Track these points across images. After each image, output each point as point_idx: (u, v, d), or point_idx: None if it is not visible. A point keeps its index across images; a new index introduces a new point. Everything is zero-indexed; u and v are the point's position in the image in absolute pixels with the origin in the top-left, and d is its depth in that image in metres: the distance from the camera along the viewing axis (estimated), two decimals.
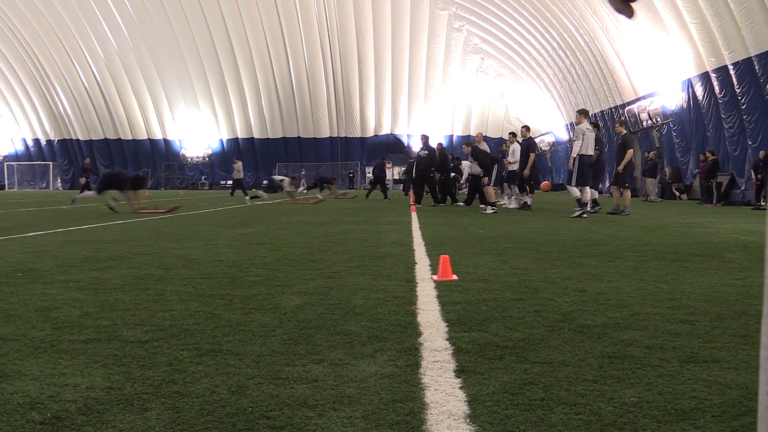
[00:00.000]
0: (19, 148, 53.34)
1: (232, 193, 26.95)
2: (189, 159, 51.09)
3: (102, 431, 1.61)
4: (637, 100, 25.81)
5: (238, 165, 26.38)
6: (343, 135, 48.66)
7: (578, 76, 31.22)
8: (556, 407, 1.77)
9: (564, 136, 36.71)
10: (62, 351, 2.38)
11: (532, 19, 31.78)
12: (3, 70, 48.23)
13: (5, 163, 52.81)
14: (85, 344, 2.47)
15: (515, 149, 14.65)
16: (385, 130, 48.52)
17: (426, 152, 17.00)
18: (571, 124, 30.99)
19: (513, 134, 15.26)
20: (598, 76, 28.90)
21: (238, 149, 48.93)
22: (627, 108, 26.64)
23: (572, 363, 2.20)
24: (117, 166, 50.59)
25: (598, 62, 28.11)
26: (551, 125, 39.86)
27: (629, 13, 0.66)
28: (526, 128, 14.86)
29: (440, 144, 18.99)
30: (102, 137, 50.99)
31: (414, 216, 11.26)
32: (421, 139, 17.95)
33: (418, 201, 16.70)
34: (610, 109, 28.70)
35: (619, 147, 12.86)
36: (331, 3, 41.96)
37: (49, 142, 52.56)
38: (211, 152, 50.50)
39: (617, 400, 1.83)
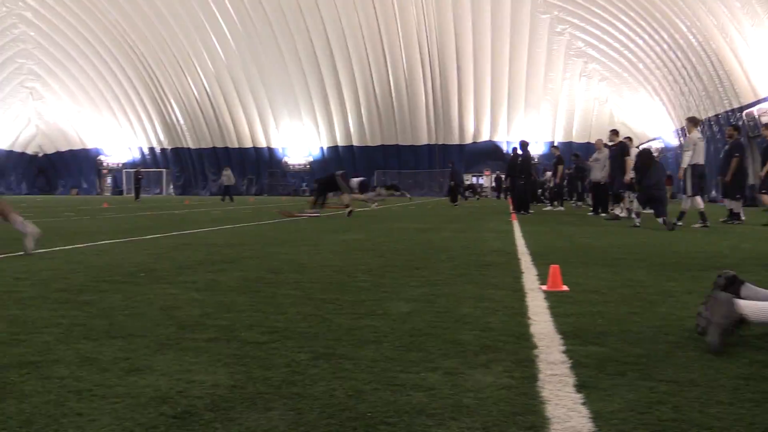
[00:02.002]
0: (136, 155, 56.95)
1: (223, 199, 27.93)
2: (291, 166, 52.75)
3: (229, 428, 1.67)
4: (758, 102, 24.15)
5: (228, 172, 27.54)
6: (441, 142, 48.61)
7: (690, 77, 29.64)
8: (690, 429, 1.66)
9: (673, 141, 34.92)
10: (187, 348, 2.49)
11: (639, 19, 30.52)
12: (123, 83, 51.75)
13: (124, 170, 56.52)
14: (207, 343, 2.58)
15: (601, 156, 13.90)
16: (484, 137, 48.07)
17: (521, 158, 16.63)
18: (682, 128, 29.41)
19: (603, 140, 14.46)
20: (712, 78, 27.29)
21: (338, 157, 50.01)
22: (745, 111, 24.98)
23: (702, 383, 2.06)
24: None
25: (713, 63, 26.57)
26: (659, 130, 38.04)
27: None
28: (615, 132, 14.04)
29: (522, 144, 17.54)
30: (211, 146, 53.57)
31: (515, 224, 11.05)
32: (520, 145, 17.56)
33: (517, 208, 16.39)
34: (726, 112, 27.01)
35: (725, 153, 12.00)
36: (430, 9, 42.14)
37: (163, 150, 55.82)
38: (311, 159, 51.90)
39: (759, 425, 1.69)
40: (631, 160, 12.38)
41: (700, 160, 10.71)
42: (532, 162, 18.01)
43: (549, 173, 19.38)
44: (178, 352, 2.44)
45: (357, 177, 16.81)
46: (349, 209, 13.93)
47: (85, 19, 46.65)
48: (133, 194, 29.50)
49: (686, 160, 10.69)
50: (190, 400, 1.89)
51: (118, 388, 2.00)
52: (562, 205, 17.67)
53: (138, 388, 1.99)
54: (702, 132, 12.00)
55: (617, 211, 12.74)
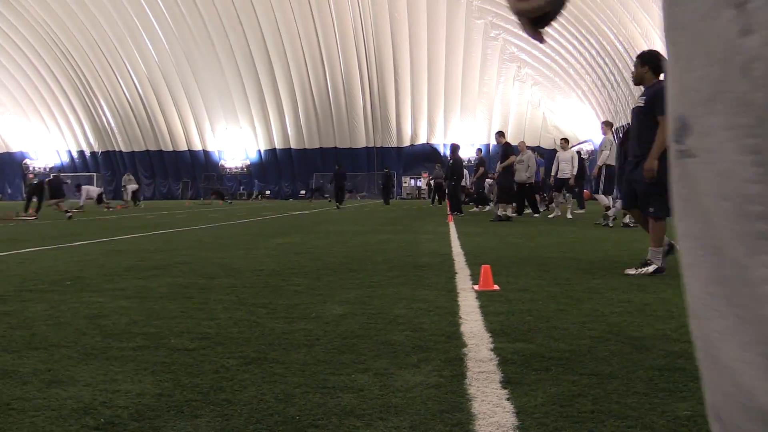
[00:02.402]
0: (65, 159, 54.83)
1: (135, 204, 28.13)
2: (228, 170, 51.88)
3: None
4: None
5: (130, 176, 28.02)
6: (379, 145, 48.83)
7: (617, 83, 30.79)
8: (607, 420, 1.74)
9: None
10: (112, 358, 2.43)
11: (569, 26, 31.50)
12: (49, 84, 49.76)
13: (52, 175, 54.32)
14: (134, 351, 2.52)
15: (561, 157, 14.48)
16: (422, 140, 48.54)
17: (451, 161, 17.05)
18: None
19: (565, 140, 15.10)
20: None
21: (276, 159, 49.55)
22: None
23: (621, 375, 2.15)
24: (158, 177, 51.75)
25: None
26: (590, 133, 39.36)
27: (540, 38, 0.64)
28: (565, 140, 14.79)
29: (453, 147, 18.09)
30: (144, 149, 52.13)
31: (451, 226, 11.22)
32: (451, 148, 17.99)
33: (451, 210, 16.74)
34: None
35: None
36: (366, 13, 42.28)
37: (93, 154, 53.92)
38: (249, 163, 51.21)
39: (670, 414, 1.78)
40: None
41: (612, 161, 11.25)
42: (464, 164, 18.42)
43: (467, 174, 19.94)
44: (103, 361, 2.38)
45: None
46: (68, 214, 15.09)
47: (8, 17, 44.65)
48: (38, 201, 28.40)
49: (603, 158, 11.28)
50: (114, 410, 1.85)
51: (38, 401, 1.93)
52: (486, 206, 18.23)
53: (59, 400, 1.93)
54: (615, 136, 12.75)
55: (509, 211, 13.37)
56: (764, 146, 0.47)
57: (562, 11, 0.59)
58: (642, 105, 5.04)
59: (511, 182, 13.51)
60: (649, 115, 4.93)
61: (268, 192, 48.72)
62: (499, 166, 13.51)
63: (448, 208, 17.62)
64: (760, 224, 0.48)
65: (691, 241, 0.55)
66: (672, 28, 0.54)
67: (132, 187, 28.21)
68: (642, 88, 5.19)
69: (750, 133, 0.48)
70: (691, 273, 0.56)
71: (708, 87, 0.50)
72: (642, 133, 4.97)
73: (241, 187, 51.15)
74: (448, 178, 17.06)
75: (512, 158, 13.50)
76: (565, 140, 14.99)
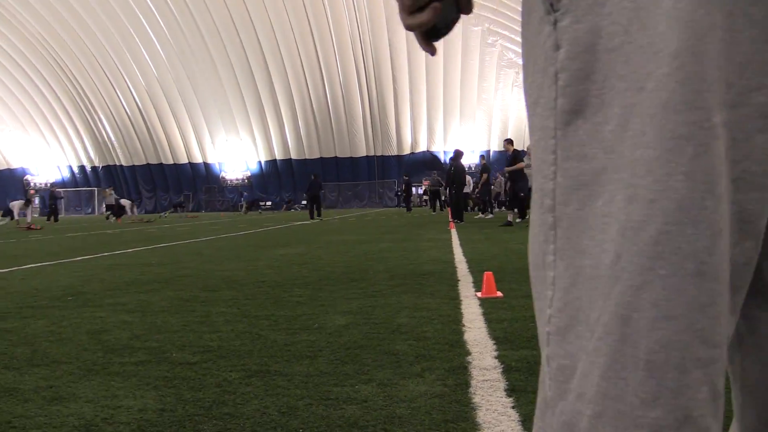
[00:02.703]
0: (66, 175, 54.95)
1: (108, 218, 28.15)
2: (229, 181, 51.93)
3: None
4: None
5: (110, 190, 28.33)
6: (379, 153, 48.89)
7: None
8: None
9: None
10: (114, 373, 2.41)
11: None
12: (49, 100, 49.94)
13: (53, 190, 54.40)
14: (135, 366, 2.51)
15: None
16: (422, 148, 48.60)
17: (452, 168, 16.93)
18: None
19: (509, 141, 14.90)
20: None
21: (276, 170, 49.61)
22: None
23: None
24: (159, 190, 51.79)
25: None
26: None
27: (432, 51, 0.69)
28: (509, 141, 14.59)
29: (456, 154, 18.10)
30: (144, 162, 52.22)
31: (453, 233, 11.20)
32: (453, 154, 17.79)
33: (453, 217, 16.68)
34: None
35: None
36: (364, 23, 42.44)
37: (94, 168, 54.04)
38: (249, 174, 51.27)
39: None
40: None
41: None
42: (466, 172, 18.37)
43: (471, 181, 19.92)
44: (105, 377, 2.36)
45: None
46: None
47: (6, 33, 44.87)
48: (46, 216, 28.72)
49: None
50: (115, 426, 1.83)
51: (39, 418, 1.92)
52: (492, 213, 18.28)
53: (61, 418, 1.92)
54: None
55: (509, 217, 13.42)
56: (558, 148, 0.53)
57: (453, 27, 0.65)
58: None
59: (527, 188, 13.43)
60: None
61: (268, 203, 48.28)
62: (506, 170, 13.60)
63: (450, 215, 17.61)
64: (548, 216, 0.54)
65: None
66: (522, 39, 0.60)
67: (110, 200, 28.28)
68: None
69: (551, 135, 0.53)
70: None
71: (534, 91, 0.56)
72: None
73: (242, 199, 51.14)
74: (449, 185, 17.01)
75: (521, 164, 13.49)
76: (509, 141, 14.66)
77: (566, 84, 0.52)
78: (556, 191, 0.53)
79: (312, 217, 21.87)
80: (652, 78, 0.49)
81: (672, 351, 0.48)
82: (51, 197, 30.36)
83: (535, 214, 0.57)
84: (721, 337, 0.50)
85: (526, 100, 0.58)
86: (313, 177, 23.19)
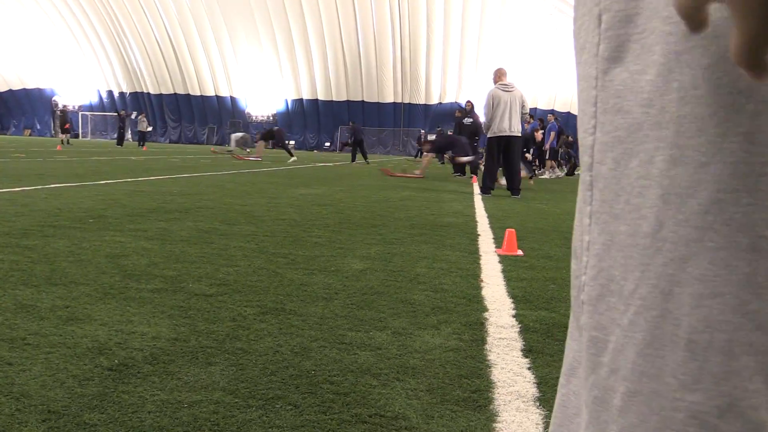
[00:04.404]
0: (94, 99, 55.14)
1: (140, 144, 28.21)
2: (254, 117, 51.80)
3: (167, 382, 1.61)
4: None
5: (143, 116, 28.26)
6: (407, 101, 48.29)
7: None
8: None
9: None
10: (130, 299, 2.41)
11: None
12: (82, 23, 49.70)
13: (80, 113, 54.72)
14: (152, 293, 2.50)
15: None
16: (450, 99, 47.90)
17: (471, 121, 16.56)
18: None
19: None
20: None
21: (302, 110, 49.33)
22: None
23: None
24: (185, 121, 51.89)
25: None
26: None
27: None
28: None
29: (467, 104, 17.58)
30: (172, 92, 52.15)
31: (475, 186, 11.09)
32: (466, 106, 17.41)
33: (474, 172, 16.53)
34: None
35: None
36: None
37: (122, 94, 54.11)
38: (275, 112, 51.05)
39: None
40: None
41: None
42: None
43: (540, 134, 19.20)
44: (121, 302, 2.36)
45: None
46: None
47: None
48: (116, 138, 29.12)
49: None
50: (128, 351, 1.83)
51: (53, 337, 1.92)
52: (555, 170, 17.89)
53: (75, 338, 1.92)
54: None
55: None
56: (598, 100, 0.49)
57: None
58: None
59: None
60: None
61: (291, 142, 48.16)
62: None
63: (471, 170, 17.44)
64: (586, 175, 0.50)
65: None
66: None
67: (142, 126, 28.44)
68: None
69: (593, 84, 0.49)
70: None
71: (581, 36, 0.52)
72: None
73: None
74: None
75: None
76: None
77: (608, 26, 0.47)
78: (595, 147, 0.49)
79: (354, 160, 22.17)
80: None
81: (717, 332, 0.43)
82: (120, 119, 31.04)
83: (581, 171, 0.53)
84: None
85: (575, 47, 0.53)
86: (351, 124, 23.81)
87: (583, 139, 0.51)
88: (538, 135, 16.78)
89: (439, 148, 14.84)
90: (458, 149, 13.78)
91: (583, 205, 0.51)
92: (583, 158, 0.51)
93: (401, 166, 18.65)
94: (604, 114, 0.48)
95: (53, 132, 55.48)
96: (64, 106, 35.52)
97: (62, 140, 27.19)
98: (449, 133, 19.68)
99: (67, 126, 29.74)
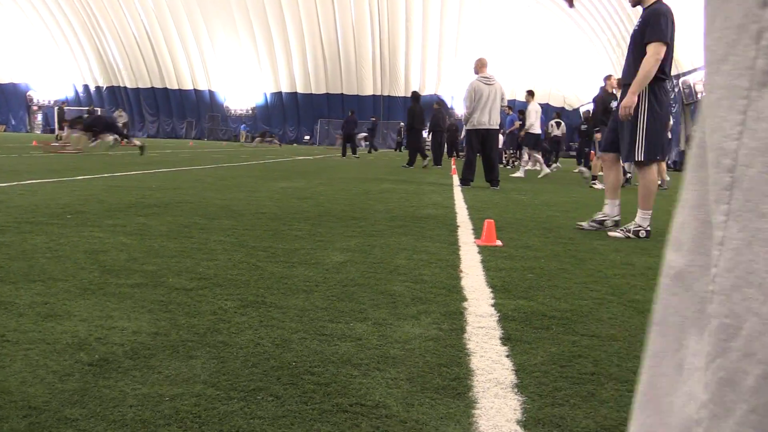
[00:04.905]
0: (69, 93, 54.35)
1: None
2: (233, 111, 51.41)
3: (148, 376, 1.62)
4: (694, 71, 24.82)
5: (120, 111, 28.23)
6: (386, 93, 48.22)
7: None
8: (607, 383, 1.72)
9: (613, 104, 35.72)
10: (110, 294, 2.41)
11: None
12: (56, 16, 48.88)
13: (55, 108, 53.90)
14: (131, 288, 2.50)
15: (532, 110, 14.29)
16: (429, 91, 47.92)
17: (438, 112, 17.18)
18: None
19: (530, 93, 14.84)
20: None
21: (281, 103, 49.06)
22: (681, 79, 25.66)
23: (622, 338, 2.13)
24: (163, 115, 51.39)
25: None
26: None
27: (569, 2, 0.64)
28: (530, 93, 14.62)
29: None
30: (149, 86, 51.57)
31: (455, 178, 11.14)
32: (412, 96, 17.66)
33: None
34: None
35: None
36: None
37: (98, 88, 53.39)
38: (254, 105, 50.71)
39: None
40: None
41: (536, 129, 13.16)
42: (442, 115, 18.14)
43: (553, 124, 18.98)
44: (101, 297, 2.36)
45: None
46: None
47: None
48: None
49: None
50: (108, 347, 1.83)
51: (32, 333, 1.91)
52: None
53: (54, 334, 1.91)
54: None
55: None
56: (750, 108, 0.52)
57: None
58: (636, 27, 4.57)
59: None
60: (641, 40, 4.48)
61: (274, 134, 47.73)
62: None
63: (452, 161, 17.51)
64: (725, 176, 0.53)
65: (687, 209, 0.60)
66: None
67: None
68: (640, 9, 4.62)
69: (742, 95, 0.53)
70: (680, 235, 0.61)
71: (722, 48, 0.54)
72: (636, 59, 4.52)
73: (243, 126, 50.48)
74: (437, 130, 17.19)
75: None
76: (530, 93, 14.72)
77: None
78: (739, 151, 0.52)
79: (344, 155, 21.80)
80: None
81: None
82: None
83: (701, 172, 0.57)
84: None
85: (707, 56, 0.56)
86: (350, 113, 23.19)
87: (722, 143, 0.54)
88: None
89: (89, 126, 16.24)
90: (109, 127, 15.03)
91: (715, 204, 0.54)
92: (720, 160, 0.54)
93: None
94: (756, 122, 0.51)
95: (28, 128, 54.60)
96: (63, 103, 34.97)
97: (57, 136, 26.76)
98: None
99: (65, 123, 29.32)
